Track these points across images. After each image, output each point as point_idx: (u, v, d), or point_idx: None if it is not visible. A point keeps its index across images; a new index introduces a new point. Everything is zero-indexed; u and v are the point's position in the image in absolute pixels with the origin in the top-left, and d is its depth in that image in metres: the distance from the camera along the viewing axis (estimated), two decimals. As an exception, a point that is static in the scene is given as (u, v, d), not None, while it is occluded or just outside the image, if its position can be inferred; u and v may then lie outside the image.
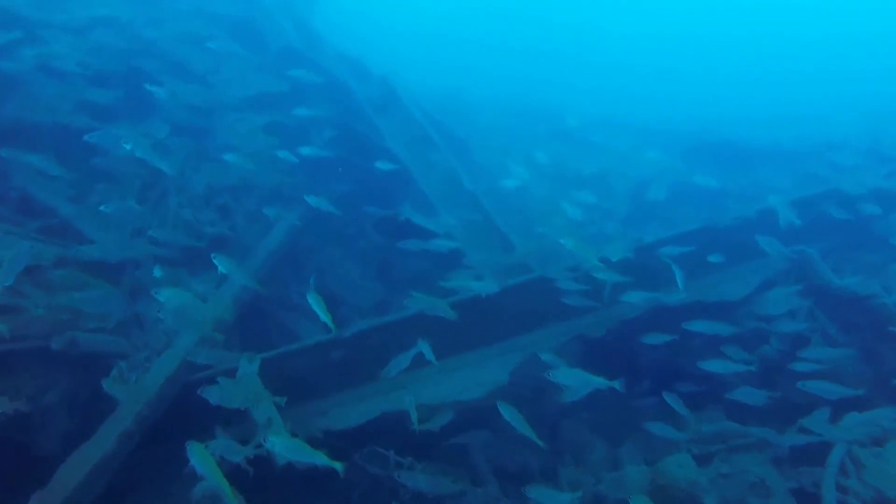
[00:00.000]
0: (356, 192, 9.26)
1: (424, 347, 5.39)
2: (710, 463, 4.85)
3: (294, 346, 6.24)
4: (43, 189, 6.29)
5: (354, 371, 6.36)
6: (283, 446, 4.03)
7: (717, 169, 9.14)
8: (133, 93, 7.63)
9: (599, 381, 4.89)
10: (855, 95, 13.25)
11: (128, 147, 5.91)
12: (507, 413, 4.98)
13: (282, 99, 8.93)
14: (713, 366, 5.43)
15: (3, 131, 6.28)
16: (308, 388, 6.32)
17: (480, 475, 6.09)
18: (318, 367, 6.29)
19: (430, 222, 6.94)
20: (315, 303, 5.19)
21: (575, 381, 4.97)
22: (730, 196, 8.55)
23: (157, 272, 5.58)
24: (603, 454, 6.70)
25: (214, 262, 5.88)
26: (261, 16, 9.19)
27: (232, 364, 5.31)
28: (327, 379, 6.32)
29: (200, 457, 3.88)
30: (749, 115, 11.62)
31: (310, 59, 9.13)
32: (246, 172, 7.62)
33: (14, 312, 5.45)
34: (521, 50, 17.59)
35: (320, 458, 4.11)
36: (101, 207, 6.08)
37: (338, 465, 4.19)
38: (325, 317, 5.19)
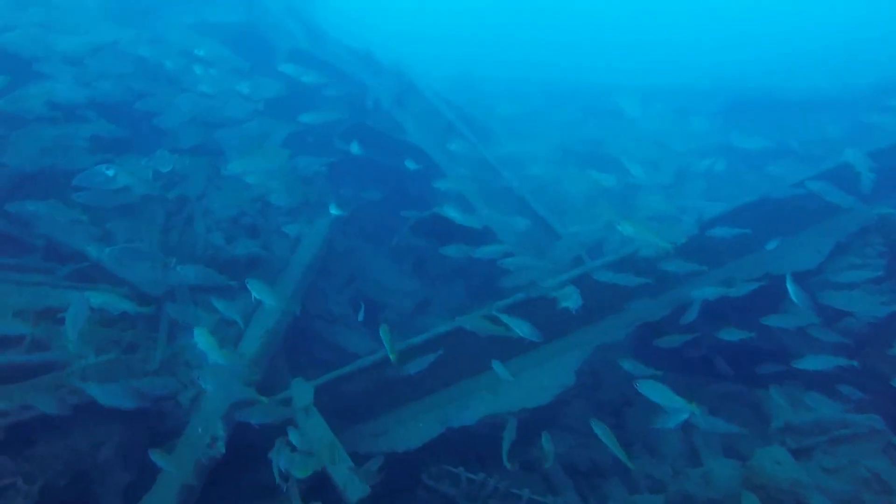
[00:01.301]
0: (383, 191, 8.92)
1: (498, 367, 5.11)
2: (811, 457, 4.48)
3: (347, 368, 5.97)
4: (68, 233, 6.04)
5: (410, 387, 6.10)
6: None
7: (760, 127, 8.50)
8: (142, 119, 7.31)
9: (679, 402, 4.57)
10: (883, 34, 12.35)
11: (121, 182, 5.73)
12: (601, 431, 4.69)
13: (296, 102, 8.54)
14: (809, 363, 4.99)
15: (20, 178, 6.03)
16: (365, 408, 6.09)
17: (556, 482, 5.84)
18: (373, 387, 6.03)
19: (470, 219, 6.54)
20: (384, 335, 5.21)
21: (657, 397, 4.63)
22: (788, 156, 7.94)
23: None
24: (676, 444, 6.42)
25: (249, 287, 5.66)
26: (265, 20, 8.72)
27: (283, 415, 5.10)
28: (384, 397, 6.08)
29: None
30: (780, 67, 10.87)
31: (321, 58, 8.68)
32: (268, 189, 7.30)
33: (58, 368, 5.29)
34: (527, 38, 16.82)
35: None
36: (107, 251, 5.86)
37: None
38: (391, 352, 5.16)
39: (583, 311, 6.22)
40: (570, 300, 5.14)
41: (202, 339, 5.14)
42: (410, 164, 7.42)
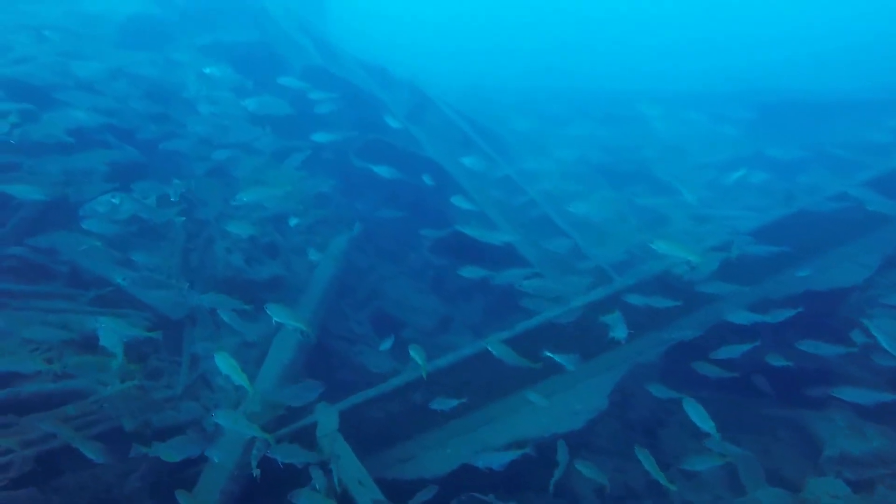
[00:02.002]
0: (400, 206, 8.81)
1: (534, 397, 4.98)
2: (873, 491, 4.17)
3: (371, 392, 5.84)
4: (91, 259, 6.02)
5: (437, 411, 5.94)
6: None
7: (791, 132, 8.17)
8: (157, 142, 7.31)
9: (709, 426, 4.39)
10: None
11: (127, 210, 5.76)
12: (643, 457, 4.51)
13: (310, 118, 8.48)
14: (852, 395, 4.67)
15: (41, 209, 6.02)
16: (390, 433, 5.95)
17: (588, 510, 5.63)
18: (398, 412, 5.89)
19: (491, 236, 6.39)
20: (416, 355, 5.22)
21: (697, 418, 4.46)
22: (824, 163, 7.61)
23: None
24: (715, 468, 6.14)
25: (269, 312, 5.60)
26: (278, 38, 8.67)
27: (309, 457, 4.98)
28: (409, 422, 5.93)
29: None
30: (807, 68, 10.52)
31: (335, 74, 8.60)
32: (284, 210, 7.25)
33: (83, 397, 5.24)
34: (540, 46, 16.59)
35: None
36: (120, 280, 5.85)
37: None
38: (424, 370, 5.16)
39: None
40: (617, 330, 4.97)
41: (224, 363, 5.07)
42: (428, 180, 7.31)
